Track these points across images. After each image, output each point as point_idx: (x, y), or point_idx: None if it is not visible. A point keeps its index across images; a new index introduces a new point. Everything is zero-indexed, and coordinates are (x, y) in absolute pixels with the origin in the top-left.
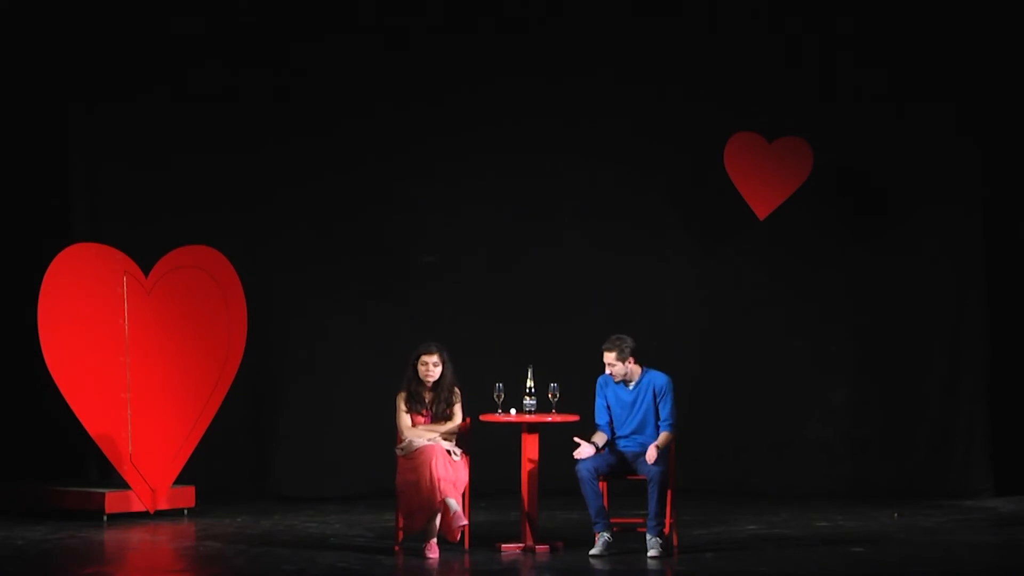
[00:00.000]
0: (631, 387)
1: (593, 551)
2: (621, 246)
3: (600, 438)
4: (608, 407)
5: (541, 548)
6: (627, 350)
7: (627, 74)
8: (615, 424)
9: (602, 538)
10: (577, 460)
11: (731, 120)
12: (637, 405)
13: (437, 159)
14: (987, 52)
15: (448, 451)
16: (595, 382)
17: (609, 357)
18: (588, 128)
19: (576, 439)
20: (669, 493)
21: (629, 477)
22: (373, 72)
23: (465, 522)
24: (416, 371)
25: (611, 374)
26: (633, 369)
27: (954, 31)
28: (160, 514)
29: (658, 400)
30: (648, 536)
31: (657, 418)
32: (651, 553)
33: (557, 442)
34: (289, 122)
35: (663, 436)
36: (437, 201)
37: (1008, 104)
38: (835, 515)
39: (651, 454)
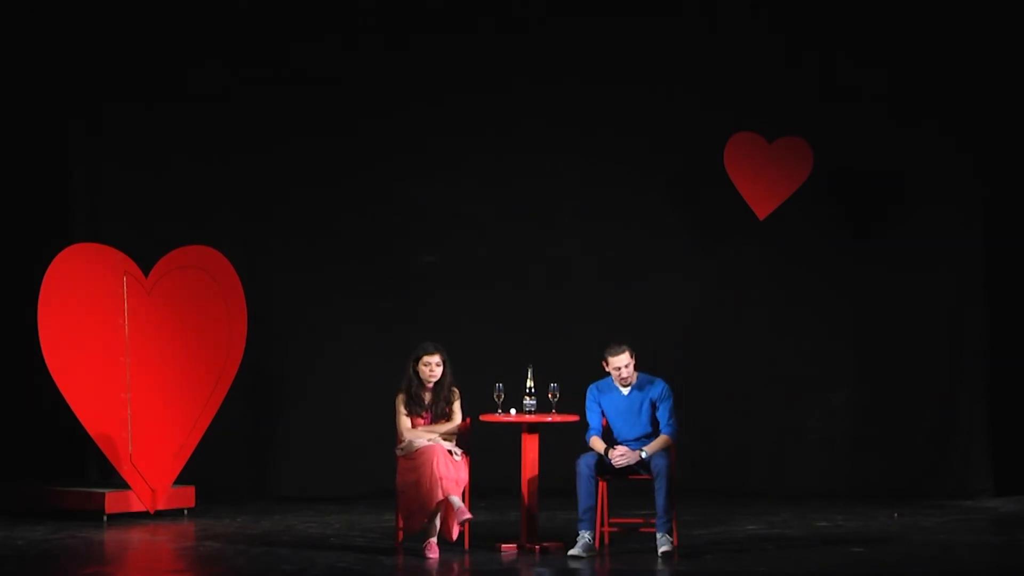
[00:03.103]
0: (627, 391)
1: (573, 551)
2: (621, 246)
3: (600, 444)
4: (603, 414)
5: (541, 548)
6: (633, 350)
7: (627, 74)
8: (617, 430)
9: (582, 539)
10: (580, 455)
11: (731, 120)
12: (637, 410)
13: (437, 159)
14: (987, 52)
15: (449, 451)
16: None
17: (623, 359)
18: (588, 128)
19: (600, 448)
20: None
21: (631, 477)
22: (373, 72)
23: (470, 516)
24: (416, 373)
25: (623, 378)
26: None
27: (954, 31)
28: (160, 514)
29: (657, 405)
30: (658, 533)
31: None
32: (662, 550)
33: (557, 442)
34: (289, 122)
35: (662, 439)
36: (437, 201)
37: (1007, 104)
38: (835, 515)
39: (643, 450)
